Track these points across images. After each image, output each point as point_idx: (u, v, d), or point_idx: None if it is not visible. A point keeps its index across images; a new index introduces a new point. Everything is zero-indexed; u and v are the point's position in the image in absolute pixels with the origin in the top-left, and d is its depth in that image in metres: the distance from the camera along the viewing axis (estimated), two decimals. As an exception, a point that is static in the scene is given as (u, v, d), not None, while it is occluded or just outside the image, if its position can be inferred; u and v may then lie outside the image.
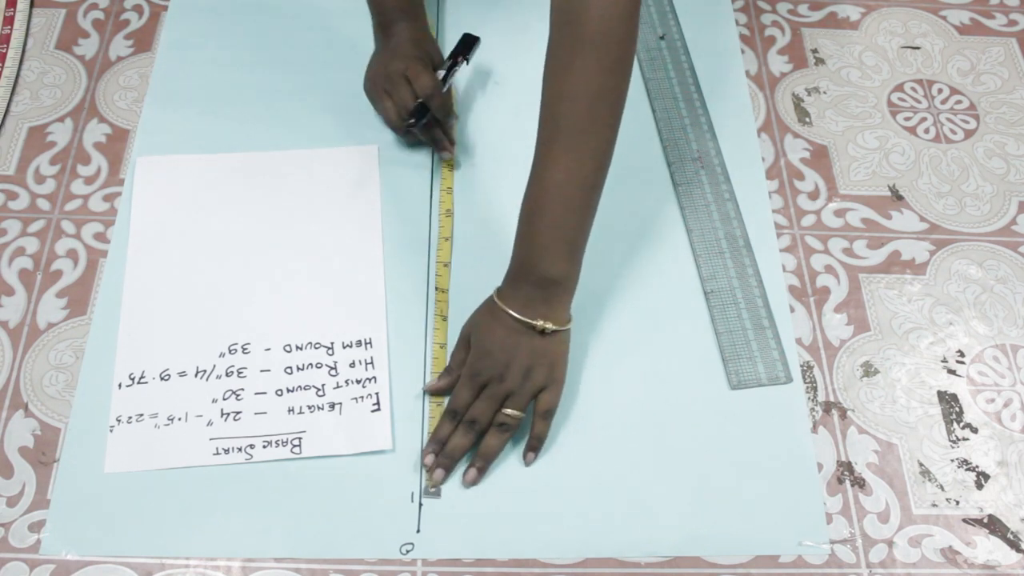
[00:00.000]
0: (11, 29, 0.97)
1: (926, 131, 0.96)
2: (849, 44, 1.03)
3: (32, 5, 1.00)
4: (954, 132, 0.96)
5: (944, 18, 1.06)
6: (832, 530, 0.73)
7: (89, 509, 0.71)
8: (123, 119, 0.92)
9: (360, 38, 0.96)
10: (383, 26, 0.89)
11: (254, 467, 0.73)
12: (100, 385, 0.76)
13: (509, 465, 0.74)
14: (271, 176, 0.87)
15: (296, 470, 0.73)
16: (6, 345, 0.78)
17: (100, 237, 0.84)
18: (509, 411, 0.72)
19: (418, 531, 0.71)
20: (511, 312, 0.72)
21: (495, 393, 0.72)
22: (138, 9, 1.01)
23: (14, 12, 0.99)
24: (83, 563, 0.69)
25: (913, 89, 1.00)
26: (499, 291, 0.74)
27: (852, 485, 0.75)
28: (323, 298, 0.81)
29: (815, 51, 1.02)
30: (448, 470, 0.72)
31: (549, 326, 0.72)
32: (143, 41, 0.98)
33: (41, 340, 0.78)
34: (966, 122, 0.97)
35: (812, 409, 0.78)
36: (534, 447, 0.73)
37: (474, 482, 0.72)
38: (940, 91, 1.00)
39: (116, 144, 0.90)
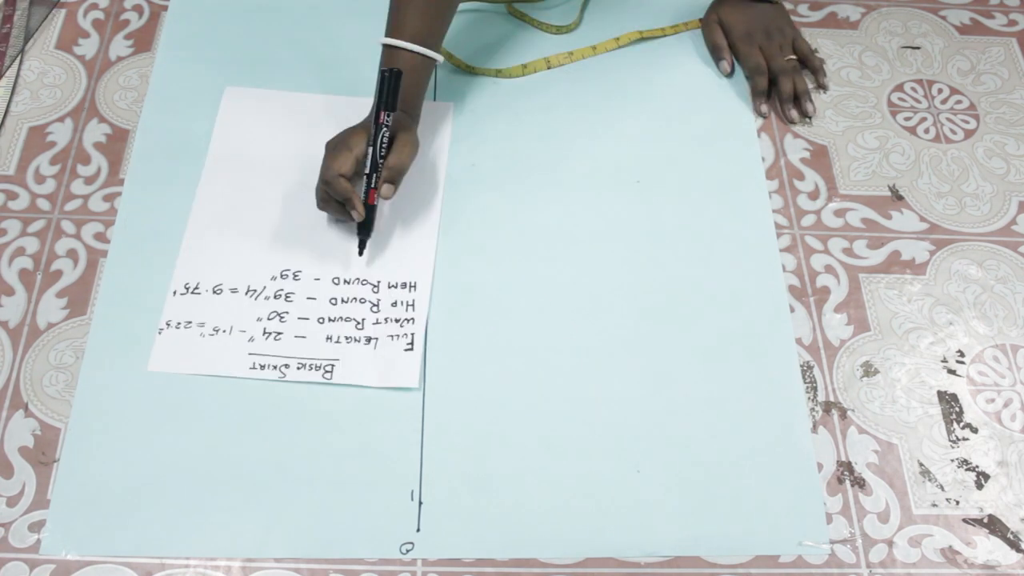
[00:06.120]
0: (10, 28, 0.97)
1: (926, 131, 0.96)
2: (849, 44, 1.03)
3: (32, 4, 1.00)
4: (954, 132, 0.96)
5: (944, 18, 1.06)
6: (832, 530, 0.73)
7: (89, 509, 0.71)
8: (123, 119, 0.92)
9: (361, 39, 0.96)
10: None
11: (254, 467, 0.73)
12: (100, 385, 0.76)
13: (509, 465, 0.74)
14: (349, 120, 0.86)
15: (296, 469, 0.73)
16: (6, 345, 0.78)
17: (100, 237, 0.84)
18: (790, 57, 0.97)
19: (418, 530, 0.71)
20: None
21: (771, 47, 0.97)
22: (138, 9, 1.01)
23: (14, 11, 0.99)
24: (83, 563, 0.69)
25: (913, 89, 1.00)
26: None
27: (852, 485, 0.75)
28: (377, 239, 0.84)
29: (815, 51, 1.01)
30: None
31: None
32: (143, 41, 0.98)
33: (41, 340, 0.78)
34: (966, 122, 0.97)
35: (812, 409, 0.78)
36: (807, 98, 0.96)
37: (806, 113, 0.96)
38: (940, 91, 1.00)
39: (116, 144, 0.90)
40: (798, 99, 0.96)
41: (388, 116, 0.78)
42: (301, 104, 0.93)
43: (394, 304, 0.81)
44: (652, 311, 0.82)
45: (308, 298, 0.81)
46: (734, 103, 0.97)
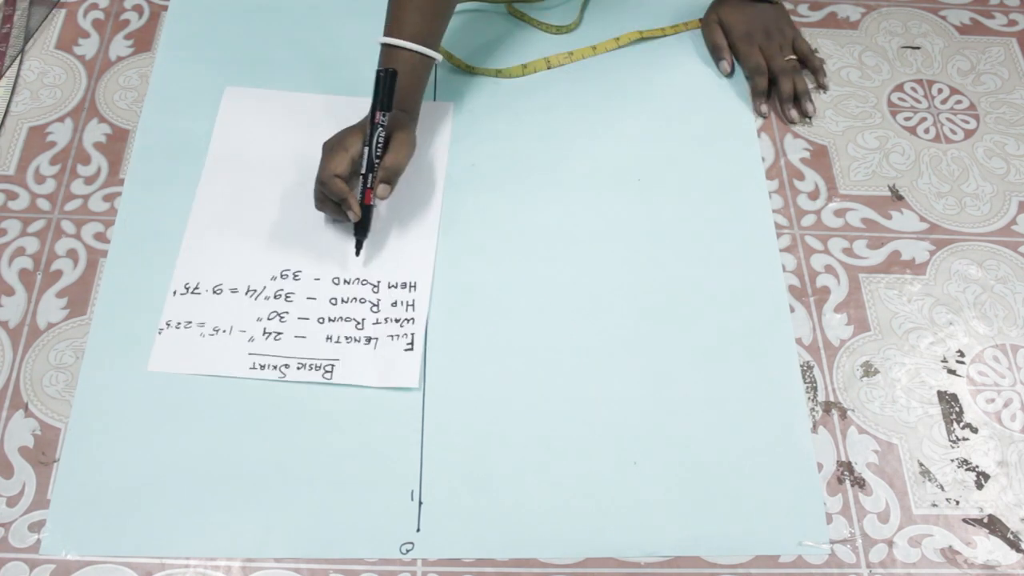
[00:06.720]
0: (10, 28, 0.97)
1: (926, 131, 0.96)
2: (849, 44, 1.03)
3: (32, 4, 1.00)
4: (954, 132, 0.96)
5: (944, 18, 1.06)
6: (832, 530, 0.73)
7: (89, 509, 0.71)
8: (123, 119, 0.92)
9: (361, 39, 0.96)
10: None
11: (254, 467, 0.73)
12: (100, 385, 0.76)
13: (509, 465, 0.74)
14: (349, 120, 0.86)
15: (296, 469, 0.73)
16: (6, 345, 0.78)
17: (100, 237, 0.84)
18: (789, 57, 0.97)
19: (418, 530, 0.71)
20: None
21: (770, 48, 0.97)
22: (138, 9, 1.01)
23: (13, 11, 0.99)
24: (83, 563, 0.69)
25: (913, 89, 1.00)
26: None
27: (852, 485, 0.75)
28: (377, 239, 0.84)
29: (815, 51, 1.01)
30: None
31: None
32: (143, 41, 0.98)
33: (41, 340, 0.78)
34: (966, 122, 0.97)
35: (812, 409, 0.78)
36: (807, 98, 0.96)
37: (806, 114, 0.96)
38: (940, 91, 1.00)
39: (116, 144, 0.90)
40: (798, 99, 0.96)
41: (384, 116, 0.78)
42: (301, 104, 0.93)
43: (394, 304, 0.81)
44: (652, 311, 0.82)
45: (308, 298, 0.81)
46: (734, 103, 0.97)
